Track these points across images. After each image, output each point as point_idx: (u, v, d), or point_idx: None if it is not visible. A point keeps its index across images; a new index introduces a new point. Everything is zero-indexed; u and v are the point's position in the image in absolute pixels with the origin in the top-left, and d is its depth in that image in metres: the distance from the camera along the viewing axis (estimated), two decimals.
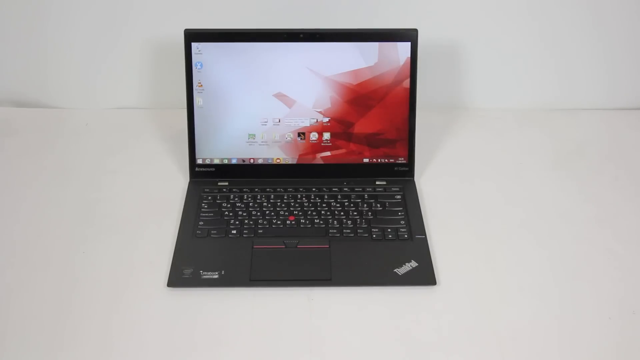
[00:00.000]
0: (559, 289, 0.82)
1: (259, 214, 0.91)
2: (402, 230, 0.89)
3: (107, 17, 1.10)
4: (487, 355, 0.74)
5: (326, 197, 0.94)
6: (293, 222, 0.90)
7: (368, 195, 0.95)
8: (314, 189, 0.96)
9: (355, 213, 0.92)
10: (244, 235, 0.88)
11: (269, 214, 0.91)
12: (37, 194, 0.97)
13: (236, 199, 0.94)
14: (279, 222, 0.90)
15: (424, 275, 0.82)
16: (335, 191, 0.95)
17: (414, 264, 0.83)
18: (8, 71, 1.16)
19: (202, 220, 0.91)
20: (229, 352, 0.74)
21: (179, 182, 0.99)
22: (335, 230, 0.89)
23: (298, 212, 0.92)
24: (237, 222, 0.90)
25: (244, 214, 0.91)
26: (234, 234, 0.89)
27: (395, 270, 0.82)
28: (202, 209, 0.92)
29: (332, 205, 0.93)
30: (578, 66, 1.15)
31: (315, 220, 0.90)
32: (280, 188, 0.96)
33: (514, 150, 1.08)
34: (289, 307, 0.79)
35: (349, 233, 0.89)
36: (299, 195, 0.94)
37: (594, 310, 0.79)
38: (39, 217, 0.93)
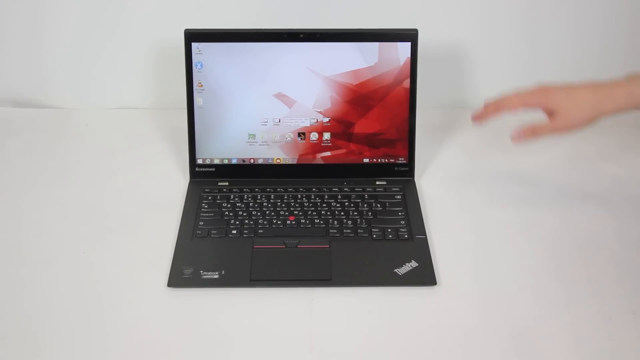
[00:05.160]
0: (559, 289, 0.82)
1: (259, 214, 0.91)
2: (402, 230, 0.89)
3: (107, 17, 1.10)
4: (487, 355, 0.74)
5: (326, 197, 0.94)
6: (293, 222, 0.90)
7: (368, 195, 0.95)
8: (314, 189, 0.96)
9: (355, 213, 0.92)
10: (244, 235, 0.88)
11: (269, 214, 0.91)
12: (37, 194, 0.97)
13: (236, 199, 0.94)
14: (279, 222, 0.90)
15: (424, 275, 0.82)
16: (335, 191, 0.95)
17: (414, 264, 0.83)
18: (8, 71, 1.16)
19: (202, 220, 0.91)
20: (229, 352, 0.74)
21: (179, 182, 0.99)
22: (335, 230, 0.89)
23: (298, 212, 0.92)
24: (237, 222, 0.90)
25: (244, 214, 0.91)
26: (234, 234, 0.89)
27: (395, 270, 0.82)
28: (202, 209, 0.92)
29: (332, 205, 0.93)
30: (578, 66, 1.15)
31: (316, 220, 0.90)
32: (281, 188, 0.96)
33: (514, 150, 1.07)
34: (289, 307, 0.79)
35: (349, 233, 0.89)
36: (299, 195, 0.94)
37: (594, 310, 0.79)
38: (39, 217, 0.93)
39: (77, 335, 0.75)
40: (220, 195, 0.95)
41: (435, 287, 0.81)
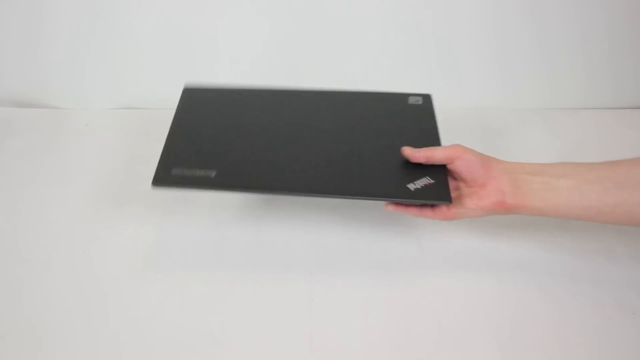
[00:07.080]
0: (559, 289, 0.82)
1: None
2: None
3: (107, 16, 1.10)
4: (487, 355, 0.74)
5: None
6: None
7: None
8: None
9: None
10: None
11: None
12: (37, 194, 0.97)
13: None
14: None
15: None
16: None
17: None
18: (8, 71, 1.16)
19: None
20: (228, 350, 0.74)
21: None
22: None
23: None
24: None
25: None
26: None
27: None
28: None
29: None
30: (578, 65, 1.15)
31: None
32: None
33: (514, 150, 1.08)
34: (289, 305, 0.79)
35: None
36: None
37: (594, 310, 0.79)
38: (39, 217, 0.93)
39: (76, 335, 0.76)
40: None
41: (435, 284, 0.81)
